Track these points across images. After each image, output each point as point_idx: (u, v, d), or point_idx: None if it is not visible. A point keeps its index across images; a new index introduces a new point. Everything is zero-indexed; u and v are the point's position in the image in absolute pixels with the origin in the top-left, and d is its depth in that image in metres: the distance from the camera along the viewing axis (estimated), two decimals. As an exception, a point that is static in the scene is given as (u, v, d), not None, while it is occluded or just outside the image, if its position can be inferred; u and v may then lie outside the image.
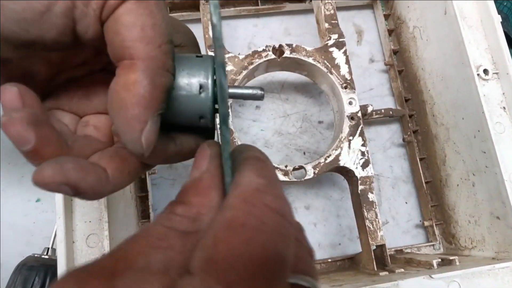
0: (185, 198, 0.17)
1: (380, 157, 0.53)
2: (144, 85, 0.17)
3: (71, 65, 0.22)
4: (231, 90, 0.21)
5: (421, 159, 0.51)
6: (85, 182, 0.18)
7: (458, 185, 0.46)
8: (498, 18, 0.42)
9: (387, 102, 0.55)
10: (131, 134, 0.18)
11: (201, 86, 0.20)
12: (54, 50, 0.19)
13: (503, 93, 0.41)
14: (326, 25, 0.47)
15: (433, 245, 0.50)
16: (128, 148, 0.18)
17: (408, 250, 0.49)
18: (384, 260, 0.42)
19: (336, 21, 0.48)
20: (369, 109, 0.48)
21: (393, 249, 0.49)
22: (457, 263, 0.39)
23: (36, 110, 0.18)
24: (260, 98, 0.21)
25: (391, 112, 0.51)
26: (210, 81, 0.20)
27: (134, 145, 0.18)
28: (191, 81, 0.20)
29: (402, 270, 0.39)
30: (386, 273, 0.39)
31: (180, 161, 0.22)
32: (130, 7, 0.17)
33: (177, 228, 0.16)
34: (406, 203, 0.52)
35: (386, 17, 0.57)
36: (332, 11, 0.48)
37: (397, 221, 0.51)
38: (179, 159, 0.22)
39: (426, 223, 0.50)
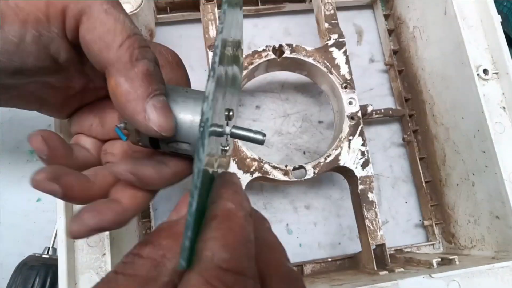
0: (155, 239, 0.17)
1: (380, 156, 0.53)
2: (122, 84, 0.19)
3: (75, 90, 0.24)
4: (233, 130, 0.22)
5: (421, 159, 0.52)
6: (105, 222, 0.21)
7: (457, 184, 0.46)
8: (498, 18, 0.42)
9: (387, 102, 0.55)
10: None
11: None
12: (43, 75, 0.22)
13: (503, 93, 0.41)
14: (326, 25, 0.47)
15: (432, 244, 0.50)
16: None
17: (408, 250, 0.49)
18: (384, 259, 0.42)
19: (336, 21, 0.48)
20: (369, 109, 0.48)
21: (393, 249, 0.49)
22: (457, 263, 0.39)
23: (59, 155, 0.22)
24: (260, 142, 0.22)
25: (391, 112, 0.52)
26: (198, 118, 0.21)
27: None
28: (185, 117, 0.21)
29: (402, 269, 0.39)
30: (386, 272, 0.39)
31: (178, 182, 0.24)
32: (86, 25, 0.19)
33: (138, 274, 0.16)
34: (406, 202, 0.52)
35: (386, 17, 0.57)
36: (332, 11, 0.48)
37: (397, 220, 0.52)
38: (176, 180, 0.24)
39: (426, 223, 0.50)
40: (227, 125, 0.22)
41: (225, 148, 0.23)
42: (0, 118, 0.49)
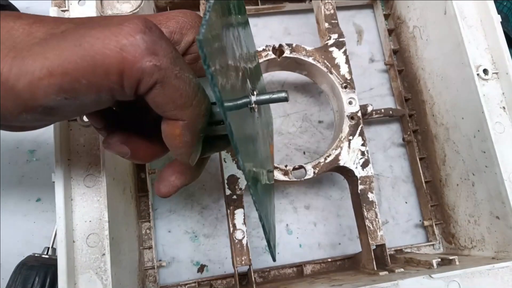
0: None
1: (380, 156, 0.53)
2: (186, 136, 0.23)
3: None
4: (257, 98, 0.26)
5: (421, 159, 0.51)
6: (187, 180, 0.28)
7: (457, 184, 0.46)
8: (497, 18, 0.42)
9: (387, 101, 0.55)
10: (183, 159, 0.25)
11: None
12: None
13: (503, 93, 0.41)
14: (326, 24, 0.47)
15: (433, 244, 0.50)
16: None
17: (408, 250, 0.49)
18: (384, 259, 0.42)
19: (336, 21, 0.48)
20: (369, 108, 0.48)
21: (392, 249, 0.49)
22: (457, 263, 0.39)
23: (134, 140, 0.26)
24: (285, 100, 0.26)
25: (391, 112, 0.51)
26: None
27: (186, 162, 0.26)
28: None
29: (402, 269, 0.39)
30: (386, 272, 0.39)
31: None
32: (160, 91, 0.21)
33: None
34: (406, 202, 0.52)
35: (386, 17, 0.57)
36: (332, 11, 0.48)
37: (397, 220, 0.52)
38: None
39: (426, 223, 0.50)
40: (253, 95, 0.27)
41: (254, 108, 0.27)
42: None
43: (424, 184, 0.50)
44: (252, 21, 0.57)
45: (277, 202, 0.51)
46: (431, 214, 0.50)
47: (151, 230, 0.47)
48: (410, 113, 0.53)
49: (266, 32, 0.57)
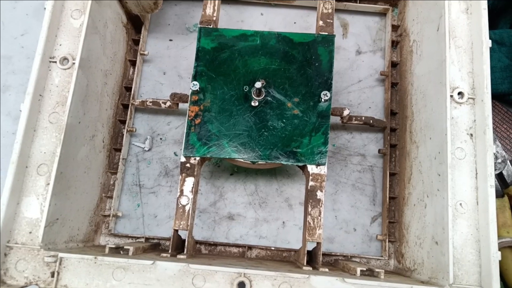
0: None
1: (356, 164, 0.53)
2: None
3: None
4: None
5: (393, 174, 0.51)
6: None
7: (414, 205, 0.45)
8: (488, 43, 0.40)
9: (376, 92, 0.55)
10: None
11: None
12: None
13: (474, 120, 0.40)
14: (321, 22, 0.48)
15: (382, 259, 0.49)
16: None
17: (357, 260, 0.49)
18: (316, 257, 0.42)
19: (331, 21, 0.48)
20: (345, 112, 0.48)
21: (339, 254, 0.49)
22: (382, 277, 0.38)
23: None
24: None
25: (371, 121, 0.51)
26: None
27: None
28: None
29: (327, 270, 0.40)
30: (310, 268, 0.39)
31: None
32: None
33: None
34: (372, 215, 0.52)
35: (395, 28, 0.56)
36: (330, 10, 0.48)
37: (358, 230, 0.51)
38: None
39: (379, 237, 0.50)
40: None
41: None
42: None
43: (387, 199, 0.50)
44: (259, 9, 0.58)
45: (272, 201, 0.52)
46: (388, 230, 0.49)
47: (114, 184, 0.51)
48: (395, 127, 0.52)
49: (272, 22, 0.58)
